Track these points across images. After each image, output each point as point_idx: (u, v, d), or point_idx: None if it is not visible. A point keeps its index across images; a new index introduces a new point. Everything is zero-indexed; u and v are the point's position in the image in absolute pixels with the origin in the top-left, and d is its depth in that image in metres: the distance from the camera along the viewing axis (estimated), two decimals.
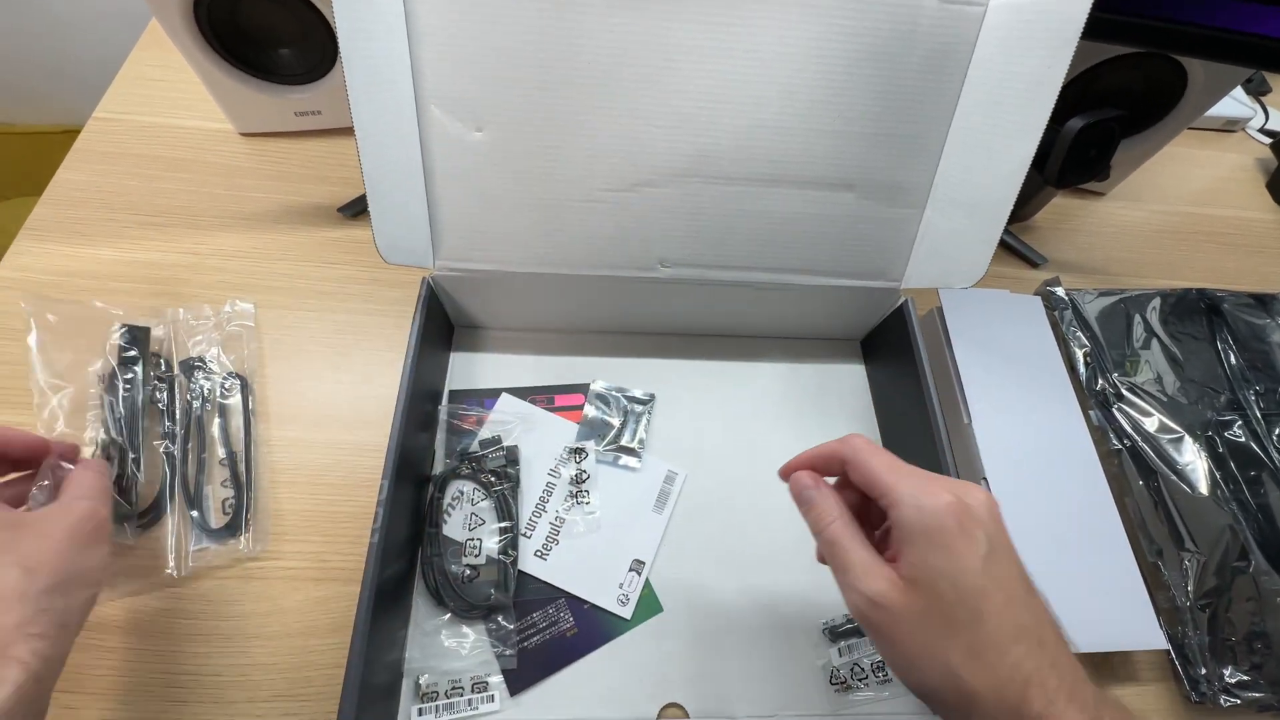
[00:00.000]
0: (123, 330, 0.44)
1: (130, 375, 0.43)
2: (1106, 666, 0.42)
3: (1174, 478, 0.46)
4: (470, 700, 0.37)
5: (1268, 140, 0.74)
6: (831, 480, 0.31)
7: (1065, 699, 0.23)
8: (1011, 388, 0.47)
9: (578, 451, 0.45)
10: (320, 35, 0.51)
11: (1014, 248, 0.60)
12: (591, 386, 0.48)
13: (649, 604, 0.41)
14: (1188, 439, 0.47)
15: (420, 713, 0.36)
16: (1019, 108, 0.37)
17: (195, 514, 0.40)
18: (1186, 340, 0.53)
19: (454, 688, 0.37)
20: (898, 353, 0.46)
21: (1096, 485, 0.44)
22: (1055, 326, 0.52)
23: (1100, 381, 0.50)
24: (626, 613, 0.40)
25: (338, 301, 0.50)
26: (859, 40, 0.36)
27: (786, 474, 0.32)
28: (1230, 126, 0.73)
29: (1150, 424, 0.48)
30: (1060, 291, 0.54)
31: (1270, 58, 0.44)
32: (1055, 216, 0.64)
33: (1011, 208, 0.39)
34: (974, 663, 0.24)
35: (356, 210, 0.55)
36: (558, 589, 0.41)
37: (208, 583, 0.39)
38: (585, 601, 0.40)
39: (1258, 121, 0.74)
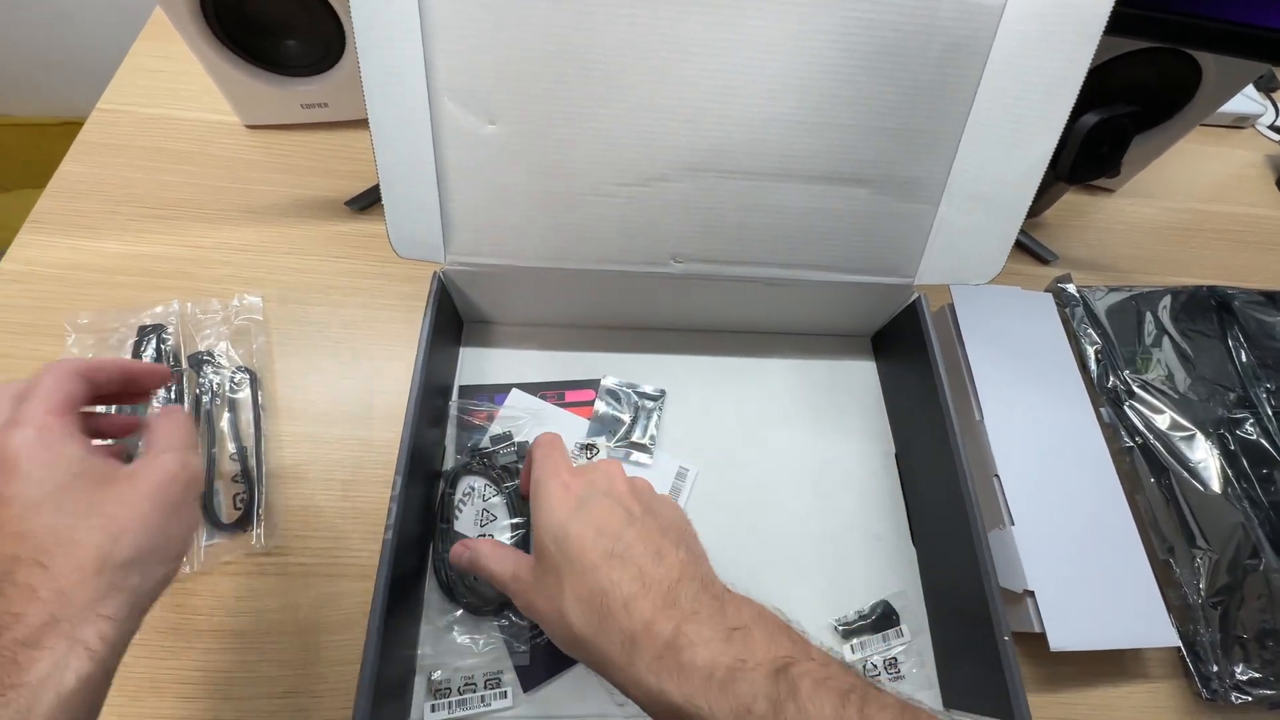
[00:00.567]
0: (141, 329, 0.44)
1: None
2: (1118, 663, 0.42)
3: (1186, 475, 0.46)
4: (483, 696, 0.37)
5: (1278, 137, 0.73)
6: None
7: (655, 603, 0.26)
8: (1023, 385, 0.47)
9: (589, 447, 0.45)
10: (327, 26, 0.51)
11: (1025, 244, 0.60)
12: (602, 382, 0.47)
13: None
14: (1199, 436, 0.47)
15: (434, 709, 0.36)
16: (1039, 103, 0.37)
17: (205, 509, 0.40)
18: (1197, 338, 0.53)
19: (467, 684, 0.37)
20: (909, 349, 0.46)
21: (1108, 483, 0.44)
22: (1066, 323, 0.52)
23: (1111, 379, 0.50)
24: None
25: (346, 295, 0.50)
26: (876, 33, 0.36)
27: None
28: (1240, 123, 0.73)
29: (1162, 421, 0.48)
30: (1071, 288, 0.54)
31: None
32: (1065, 213, 0.63)
33: (1030, 204, 0.39)
34: (574, 599, 0.27)
35: (364, 204, 0.54)
36: None
37: (219, 578, 0.39)
38: None
39: (1268, 118, 0.74)
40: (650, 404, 0.47)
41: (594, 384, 0.47)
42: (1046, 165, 0.38)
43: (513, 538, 0.41)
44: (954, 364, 0.47)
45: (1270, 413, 0.49)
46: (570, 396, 0.47)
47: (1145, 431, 0.48)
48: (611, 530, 0.28)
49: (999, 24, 0.36)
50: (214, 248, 0.51)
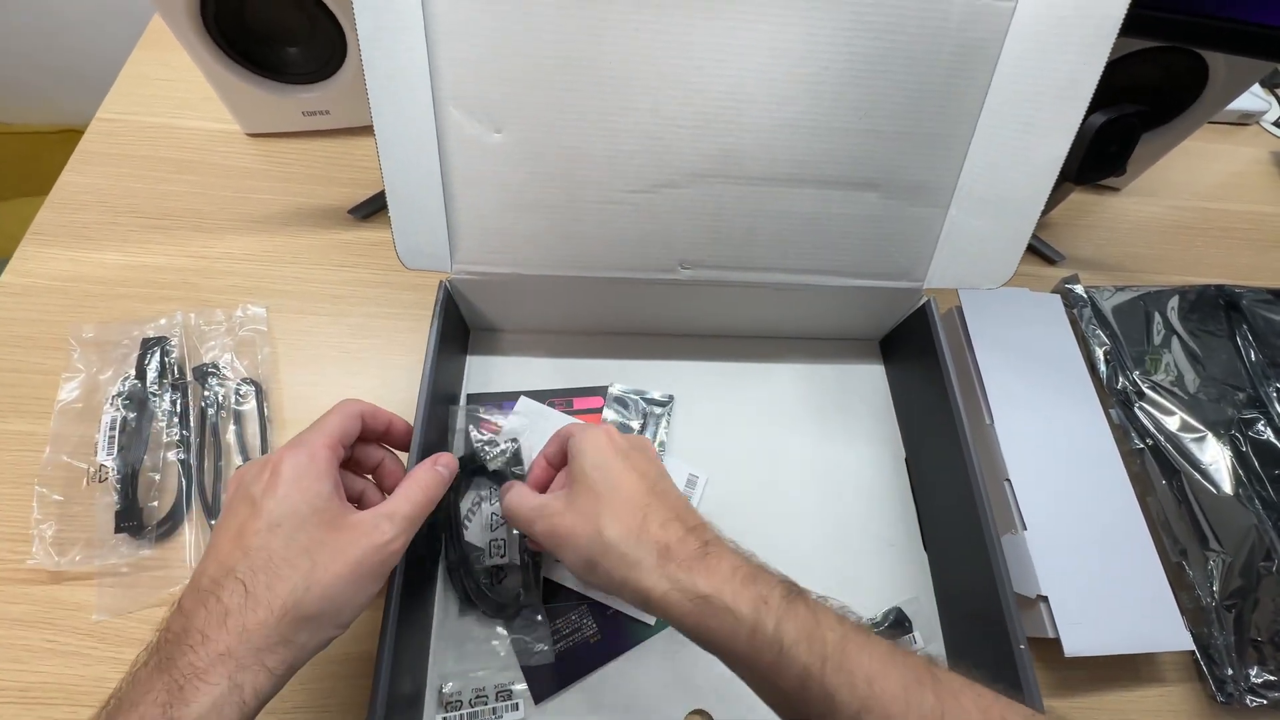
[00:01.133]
0: (144, 341, 0.43)
1: (150, 385, 0.42)
2: (1132, 667, 0.42)
3: (1197, 477, 0.46)
4: (495, 708, 0.37)
5: None
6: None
7: (680, 531, 0.29)
8: (1033, 387, 0.47)
9: None
10: (329, 33, 0.50)
11: (1031, 244, 0.59)
12: (610, 389, 0.47)
13: None
14: (1210, 437, 0.47)
15: None
16: (1051, 106, 0.36)
17: (213, 522, 0.40)
18: (1206, 337, 0.53)
19: (478, 696, 0.37)
20: (918, 353, 0.45)
21: (1119, 485, 0.44)
22: (1074, 324, 0.52)
23: (1121, 380, 0.50)
24: (650, 618, 0.40)
25: (351, 305, 0.50)
26: (886, 37, 0.35)
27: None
28: (1245, 120, 0.73)
29: (1172, 423, 0.48)
30: (1079, 289, 0.54)
31: None
32: (1071, 213, 0.63)
33: (1043, 207, 0.39)
34: (612, 516, 0.29)
35: (367, 212, 0.54)
36: (580, 595, 0.40)
37: None
38: (608, 607, 0.40)
39: (1273, 115, 0.73)
40: (659, 410, 0.47)
41: (602, 391, 0.47)
42: (1059, 168, 0.38)
43: (522, 541, 0.40)
44: (963, 367, 0.47)
45: None
46: (578, 404, 0.47)
47: (1156, 433, 0.47)
48: (651, 476, 0.32)
49: (1010, 25, 0.35)
50: (217, 258, 0.50)
